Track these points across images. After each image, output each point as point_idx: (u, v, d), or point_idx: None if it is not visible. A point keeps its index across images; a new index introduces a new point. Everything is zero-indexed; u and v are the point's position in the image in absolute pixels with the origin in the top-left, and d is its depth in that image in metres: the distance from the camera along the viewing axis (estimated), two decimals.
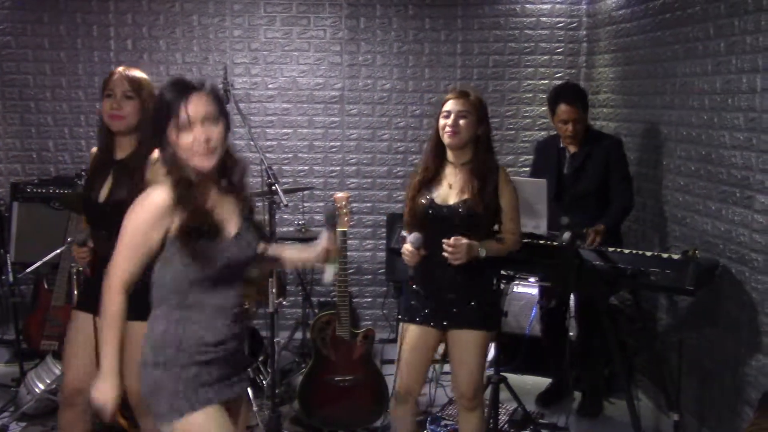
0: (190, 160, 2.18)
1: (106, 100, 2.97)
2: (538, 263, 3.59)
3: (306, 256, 2.56)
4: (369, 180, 5.66)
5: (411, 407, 3.28)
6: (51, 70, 5.45)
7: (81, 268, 3.16)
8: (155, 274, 2.24)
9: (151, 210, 2.15)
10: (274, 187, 3.74)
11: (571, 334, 4.27)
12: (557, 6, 5.57)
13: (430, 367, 3.42)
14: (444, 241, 3.01)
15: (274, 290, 3.85)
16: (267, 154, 5.32)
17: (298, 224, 5.06)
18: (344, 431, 4.00)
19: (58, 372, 3.93)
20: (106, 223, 2.93)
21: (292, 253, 2.59)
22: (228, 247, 2.22)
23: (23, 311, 4.50)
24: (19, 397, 4.01)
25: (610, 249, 3.60)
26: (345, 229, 3.65)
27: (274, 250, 2.54)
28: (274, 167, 4.61)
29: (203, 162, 2.19)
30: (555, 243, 3.45)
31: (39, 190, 4.90)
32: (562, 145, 4.25)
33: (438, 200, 3.10)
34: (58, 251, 4.25)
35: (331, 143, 5.64)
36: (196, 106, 2.16)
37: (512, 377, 4.07)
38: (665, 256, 3.50)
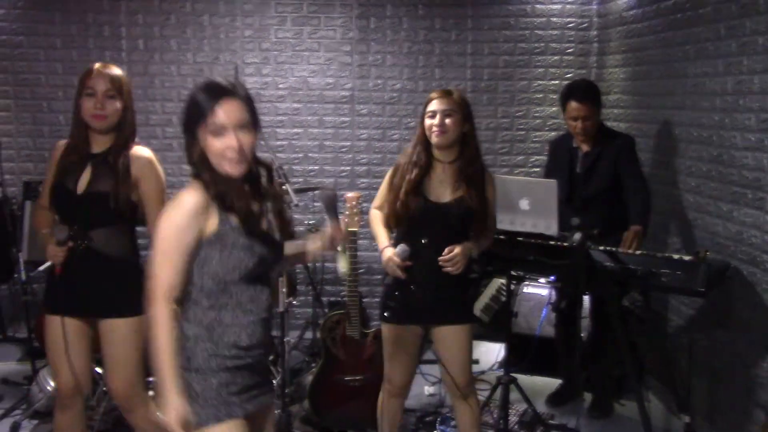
0: (219, 165, 2.17)
1: (87, 98, 2.95)
2: (549, 264, 3.59)
3: (316, 245, 2.48)
4: (379, 180, 5.57)
5: (403, 401, 3.43)
6: (63, 69, 5.48)
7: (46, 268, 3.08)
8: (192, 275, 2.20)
9: (183, 213, 2.12)
10: (284, 187, 3.76)
11: (582, 334, 4.27)
12: (568, 6, 5.56)
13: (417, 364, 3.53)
14: (440, 259, 3.07)
15: (284, 290, 3.86)
16: (277, 154, 5.34)
17: (309, 224, 5.07)
18: (354, 431, 4.01)
19: None
20: (82, 215, 2.96)
21: (304, 246, 2.50)
22: (258, 244, 2.21)
23: (35, 310, 4.52)
24: (31, 394, 4.04)
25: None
26: (356, 229, 3.65)
27: (294, 246, 2.49)
28: (285, 167, 4.63)
29: (233, 169, 2.17)
30: (566, 244, 3.45)
31: None
32: (574, 144, 4.22)
33: (432, 198, 3.13)
34: None
35: (342, 143, 5.65)
36: (229, 113, 2.14)
37: (522, 378, 4.06)
38: (676, 257, 3.49)
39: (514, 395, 3.86)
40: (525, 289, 4.87)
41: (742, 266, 3.57)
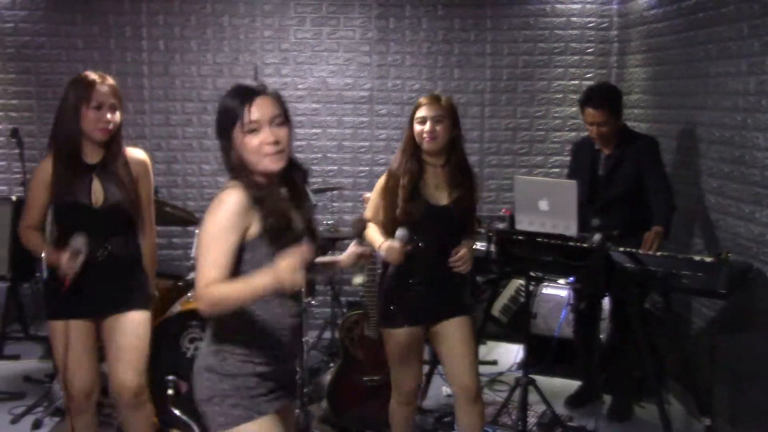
0: (258, 164, 2.17)
1: (93, 111, 2.92)
2: (568, 265, 3.57)
3: (340, 260, 2.57)
4: None
5: (413, 408, 3.41)
6: (85, 69, 5.46)
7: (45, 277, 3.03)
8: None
9: (227, 212, 2.12)
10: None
11: (601, 336, 4.24)
12: (588, 6, 5.53)
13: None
14: (451, 260, 3.13)
15: (303, 290, 3.87)
16: (296, 154, 5.33)
17: (327, 224, 5.08)
18: (372, 431, 4.01)
19: None
20: (101, 227, 2.96)
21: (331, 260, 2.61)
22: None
23: None
24: (52, 392, 4.08)
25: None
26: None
27: (326, 257, 2.58)
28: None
29: (273, 164, 2.18)
30: (585, 245, 3.43)
31: None
32: (596, 147, 4.18)
33: (432, 201, 3.16)
34: None
35: (360, 143, 5.66)
36: (261, 108, 2.16)
37: (541, 379, 4.05)
38: (697, 258, 3.46)
39: (532, 396, 3.84)
40: (544, 290, 4.85)
41: (765, 268, 3.54)
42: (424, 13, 5.54)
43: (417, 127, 3.16)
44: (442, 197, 3.17)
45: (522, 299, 4.72)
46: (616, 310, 4.18)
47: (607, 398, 4.37)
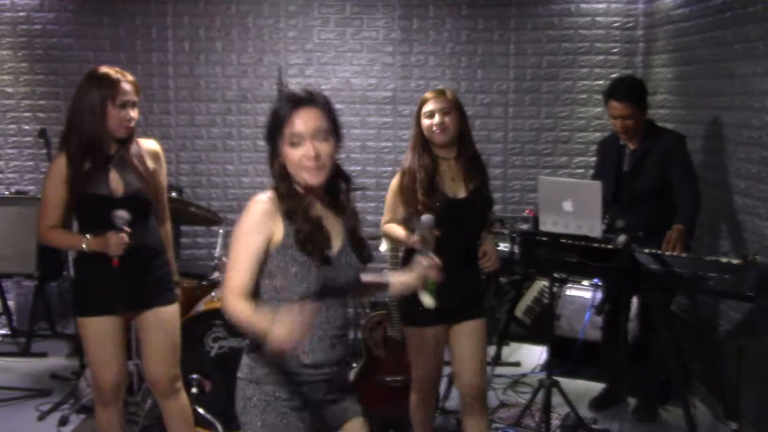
0: (298, 175, 2.15)
1: (118, 110, 2.94)
2: (592, 267, 3.54)
3: (405, 280, 2.46)
4: None
5: (434, 403, 3.46)
6: None
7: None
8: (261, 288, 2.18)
9: (254, 214, 2.13)
10: None
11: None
12: (613, 5, 5.49)
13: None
14: (481, 263, 3.19)
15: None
16: None
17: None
18: (395, 431, 4.01)
19: None
20: (132, 214, 2.96)
21: (395, 278, 2.49)
22: (327, 267, 2.18)
23: None
24: (78, 389, 4.12)
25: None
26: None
27: (380, 275, 2.49)
28: None
29: (311, 178, 2.15)
30: (610, 246, 3.40)
31: None
32: (622, 142, 4.14)
33: (450, 195, 3.15)
34: None
35: (384, 144, 5.66)
36: (306, 121, 2.12)
37: (564, 381, 4.02)
38: (724, 260, 3.41)
39: (556, 399, 3.82)
40: (568, 292, 4.82)
41: None
42: (448, 13, 5.53)
43: (426, 122, 3.17)
44: (459, 190, 3.17)
45: (546, 301, 4.70)
46: (643, 311, 4.15)
47: (632, 401, 4.33)
